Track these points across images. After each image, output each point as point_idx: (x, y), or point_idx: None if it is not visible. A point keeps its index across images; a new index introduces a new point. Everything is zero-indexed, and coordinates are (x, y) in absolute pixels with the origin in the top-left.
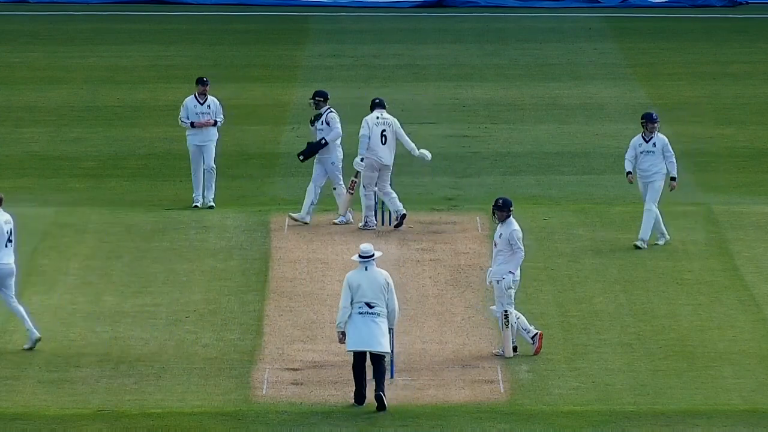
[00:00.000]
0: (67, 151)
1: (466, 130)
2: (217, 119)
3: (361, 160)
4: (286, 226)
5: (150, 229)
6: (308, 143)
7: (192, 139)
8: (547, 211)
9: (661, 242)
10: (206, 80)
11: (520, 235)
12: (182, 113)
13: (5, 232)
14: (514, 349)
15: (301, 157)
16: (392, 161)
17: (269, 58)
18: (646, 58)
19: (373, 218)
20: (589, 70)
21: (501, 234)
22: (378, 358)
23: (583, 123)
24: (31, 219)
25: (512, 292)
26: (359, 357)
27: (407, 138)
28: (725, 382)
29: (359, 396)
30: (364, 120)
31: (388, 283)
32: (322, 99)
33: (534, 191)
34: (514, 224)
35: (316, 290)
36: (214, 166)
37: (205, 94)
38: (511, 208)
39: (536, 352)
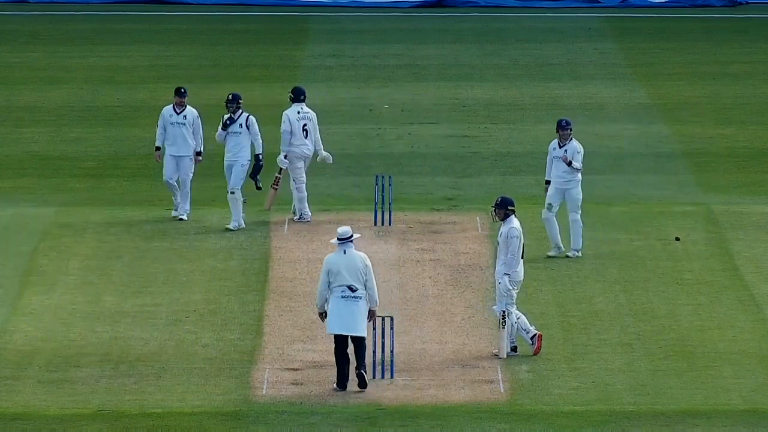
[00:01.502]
0: (67, 151)
1: (466, 130)
2: (199, 149)
3: (285, 157)
4: (286, 226)
5: (150, 229)
6: (254, 167)
7: (168, 149)
8: None
9: (552, 253)
10: (184, 91)
11: (516, 233)
12: (159, 123)
13: None
14: (515, 349)
15: (260, 184)
16: (312, 153)
17: (269, 58)
18: (646, 58)
19: (308, 210)
20: (589, 70)
21: (501, 233)
22: (359, 339)
23: (583, 123)
24: (31, 219)
25: (514, 292)
26: (341, 340)
27: (318, 135)
28: (725, 382)
29: (341, 379)
30: (284, 114)
31: (366, 265)
32: (234, 102)
33: (534, 191)
34: (512, 222)
35: (316, 290)
36: (188, 180)
37: (182, 105)
38: (510, 207)
39: (536, 353)
